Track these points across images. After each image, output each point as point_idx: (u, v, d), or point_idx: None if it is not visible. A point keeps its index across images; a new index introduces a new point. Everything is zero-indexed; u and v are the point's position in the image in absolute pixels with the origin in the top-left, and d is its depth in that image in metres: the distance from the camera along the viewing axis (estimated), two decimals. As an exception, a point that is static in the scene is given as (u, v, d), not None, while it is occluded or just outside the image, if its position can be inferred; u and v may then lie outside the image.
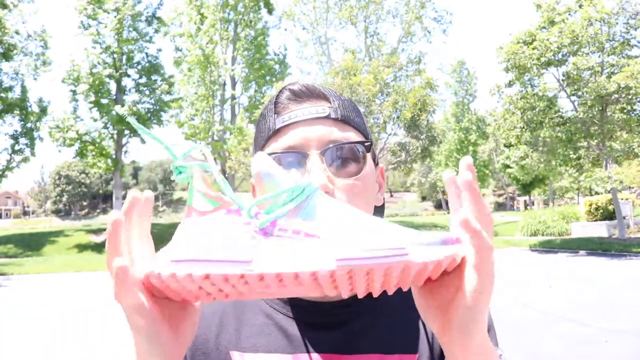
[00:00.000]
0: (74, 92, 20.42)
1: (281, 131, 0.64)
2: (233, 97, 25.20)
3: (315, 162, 0.60)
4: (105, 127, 20.88)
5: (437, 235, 0.39)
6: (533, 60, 14.15)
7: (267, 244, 0.38)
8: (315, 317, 0.66)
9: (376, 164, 0.70)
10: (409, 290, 0.68)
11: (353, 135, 0.65)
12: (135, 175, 72.92)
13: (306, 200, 0.42)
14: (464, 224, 0.38)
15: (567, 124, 14.59)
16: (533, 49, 14.18)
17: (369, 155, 0.65)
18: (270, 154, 0.62)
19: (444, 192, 47.86)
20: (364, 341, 0.64)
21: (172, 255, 0.38)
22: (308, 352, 0.63)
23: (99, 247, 19.88)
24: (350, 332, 0.65)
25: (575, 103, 15.09)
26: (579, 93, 14.48)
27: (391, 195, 64.70)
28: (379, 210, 0.74)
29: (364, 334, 0.65)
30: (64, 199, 64.54)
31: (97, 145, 20.49)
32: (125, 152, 22.06)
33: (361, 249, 0.36)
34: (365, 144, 0.64)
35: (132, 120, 0.43)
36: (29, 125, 19.92)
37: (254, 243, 0.38)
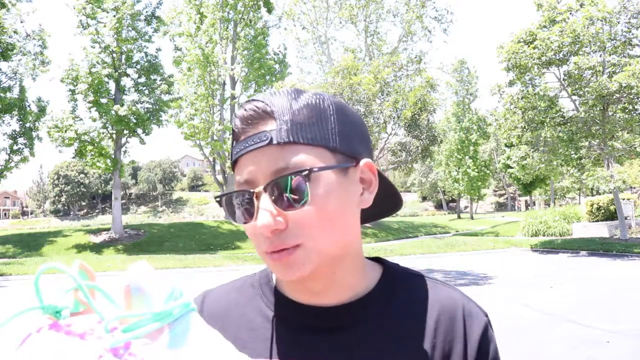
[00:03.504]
0: (73, 92, 20.35)
1: (237, 162, 0.60)
2: (233, 97, 25.16)
3: (263, 201, 0.55)
4: (104, 127, 20.82)
5: None
6: (534, 59, 14.11)
7: None
8: (315, 321, 0.63)
9: (357, 162, 0.61)
10: (413, 299, 0.65)
11: (302, 157, 0.55)
12: (134, 175, 72.98)
13: (176, 322, 0.39)
14: None
15: (569, 124, 14.55)
16: (534, 48, 14.13)
17: (323, 173, 0.56)
18: (224, 195, 0.59)
19: (444, 192, 47.80)
20: (364, 349, 0.62)
21: None
22: (307, 357, 0.61)
23: (97, 248, 19.80)
24: (351, 338, 0.62)
25: (577, 103, 15.05)
26: (580, 93, 14.43)
27: (391, 196, 64.52)
28: (378, 211, 0.69)
29: (365, 341, 0.62)
30: (63, 199, 64.58)
31: (96, 145, 20.44)
32: (125, 152, 22.01)
33: None
34: (313, 169, 0.55)
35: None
36: (27, 125, 19.84)
37: None
